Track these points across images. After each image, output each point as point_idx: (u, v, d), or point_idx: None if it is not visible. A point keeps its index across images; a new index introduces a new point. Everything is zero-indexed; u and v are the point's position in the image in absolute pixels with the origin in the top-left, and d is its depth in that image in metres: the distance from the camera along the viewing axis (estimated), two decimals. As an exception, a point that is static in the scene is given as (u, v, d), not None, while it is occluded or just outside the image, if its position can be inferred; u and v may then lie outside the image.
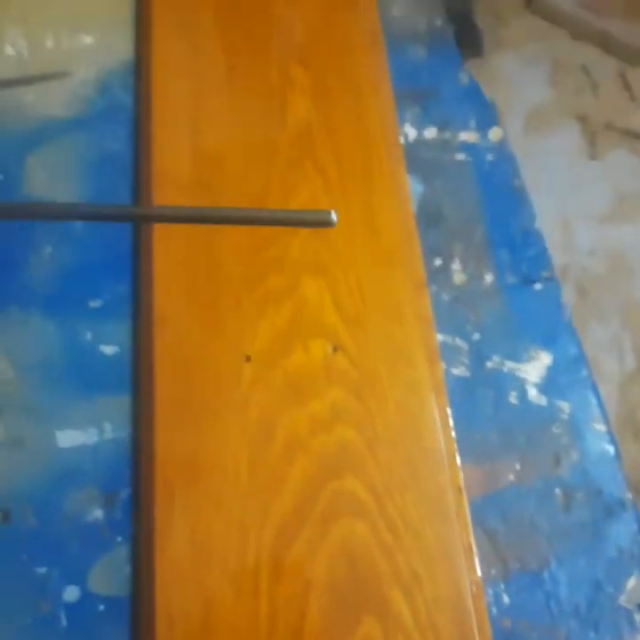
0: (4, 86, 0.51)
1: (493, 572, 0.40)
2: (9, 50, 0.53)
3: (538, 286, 0.47)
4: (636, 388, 1.11)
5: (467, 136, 0.52)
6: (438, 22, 0.57)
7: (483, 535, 0.41)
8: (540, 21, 1.34)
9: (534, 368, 0.45)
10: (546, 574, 0.40)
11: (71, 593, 0.38)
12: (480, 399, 0.44)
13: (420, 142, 0.52)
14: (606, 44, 1.33)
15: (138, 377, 0.43)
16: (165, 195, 0.46)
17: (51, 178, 0.48)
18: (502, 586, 0.40)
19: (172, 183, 0.47)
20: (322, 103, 0.50)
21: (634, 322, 1.18)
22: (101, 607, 0.38)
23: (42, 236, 0.46)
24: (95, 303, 0.45)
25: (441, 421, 0.41)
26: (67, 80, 0.52)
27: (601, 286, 1.20)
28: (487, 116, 0.53)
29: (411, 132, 0.52)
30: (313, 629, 0.36)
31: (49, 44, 0.53)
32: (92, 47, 0.53)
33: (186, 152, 0.48)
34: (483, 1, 1.34)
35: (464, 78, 0.55)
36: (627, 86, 1.46)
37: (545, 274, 0.48)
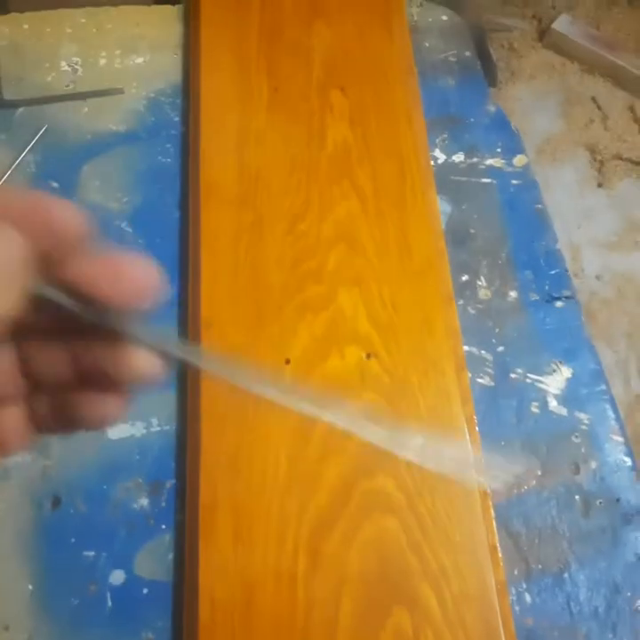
0: (60, 100, 0.55)
1: (516, 572, 0.42)
2: (64, 66, 0.56)
3: (559, 304, 0.50)
4: (641, 412, 1.13)
5: (493, 161, 0.56)
6: (467, 54, 0.61)
7: (506, 537, 0.43)
8: (553, 55, 1.39)
9: (555, 380, 0.47)
10: (566, 576, 0.42)
11: (117, 576, 0.40)
12: (503, 408, 0.46)
13: (448, 166, 0.55)
14: (617, 77, 1.38)
15: (184, 376, 0.45)
16: (212, 208, 0.49)
17: (102, 187, 0.51)
18: (524, 586, 0.42)
19: (219, 197, 0.50)
20: (359, 126, 0.53)
21: (640, 345, 1.21)
22: (145, 590, 0.40)
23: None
24: (143, 305, 0.47)
25: (468, 427, 0.44)
26: (119, 97, 0.55)
27: (608, 310, 1.23)
28: (512, 143, 0.57)
29: (440, 156, 0.56)
30: (347, 619, 0.38)
31: (102, 62, 0.57)
32: (143, 67, 0.57)
33: (232, 169, 0.51)
34: (497, 33, 1.39)
35: (491, 107, 0.58)
36: (636, 118, 1.50)
37: (566, 293, 0.51)
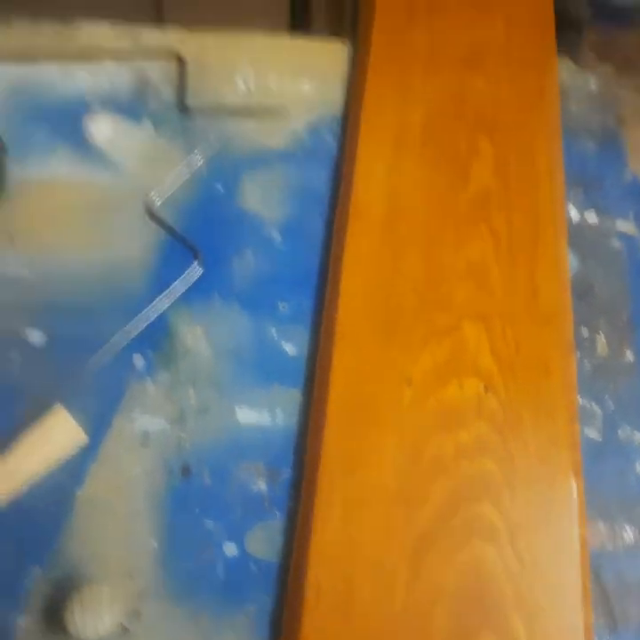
0: (232, 113, 0.60)
1: (601, 621, 0.43)
2: (240, 84, 0.62)
3: (675, 373, 0.51)
4: None
5: (625, 227, 0.58)
6: (611, 122, 0.63)
7: (595, 586, 0.44)
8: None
9: (663, 446, 0.48)
10: (652, 636, 0.43)
11: (230, 548, 0.43)
12: (608, 463, 0.48)
13: (581, 224, 0.58)
14: None
15: (313, 376, 0.49)
16: (357, 229, 0.53)
17: (260, 197, 0.57)
18: (608, 637, 0.43)
19: (365, 221, 0.54)
20: (502, 175, 0.57)
21: None
22: (253, 567, 0.43)
23: (245, 239, 0.54)
24: (283, 307, 0.52)
25: (574, 474, 0.45)
26: (283, 118, 0.61)
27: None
28: (646, 212, 0.59)
29: (574, 213, 0.58)
30: (439, 633, 0.40)
31: (273, 85, 0.63)
32: (309, 93, 0.62)
33: (380, 196, 0.55)
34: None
35: (628, 175, 0.60)
36: None
37: (683, 363, 0.52)
